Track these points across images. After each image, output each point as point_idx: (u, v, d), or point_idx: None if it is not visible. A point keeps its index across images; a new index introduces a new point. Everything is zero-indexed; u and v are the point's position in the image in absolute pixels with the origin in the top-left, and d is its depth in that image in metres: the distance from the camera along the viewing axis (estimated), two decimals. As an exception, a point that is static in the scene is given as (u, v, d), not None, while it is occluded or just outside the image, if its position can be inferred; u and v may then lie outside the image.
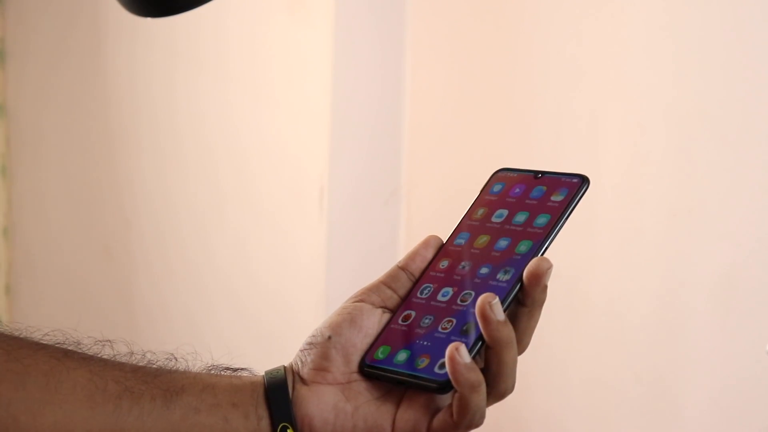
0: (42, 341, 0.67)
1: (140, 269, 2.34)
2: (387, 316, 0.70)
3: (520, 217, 0.71)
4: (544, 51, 1.77)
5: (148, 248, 2.32)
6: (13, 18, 2.52)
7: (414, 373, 0.66)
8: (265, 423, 0.66)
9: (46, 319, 2.54)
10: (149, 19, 0.68)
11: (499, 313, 0.64)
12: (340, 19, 1.91)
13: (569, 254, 1.71)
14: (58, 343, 0.68)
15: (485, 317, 0.64)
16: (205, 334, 2.21)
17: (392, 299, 0.71)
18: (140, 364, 0.69)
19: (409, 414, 0.66)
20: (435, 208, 1.96)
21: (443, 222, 2.12)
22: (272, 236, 2.06)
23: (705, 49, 1.56)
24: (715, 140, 1.55)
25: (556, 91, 1.75)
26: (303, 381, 0.68)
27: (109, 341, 0.70)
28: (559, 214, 0.70)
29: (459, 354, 0.63)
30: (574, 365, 1.72)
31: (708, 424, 1.57)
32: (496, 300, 0.65)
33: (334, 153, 1.93)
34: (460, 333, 0.67)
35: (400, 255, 2.05)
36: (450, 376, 0.64)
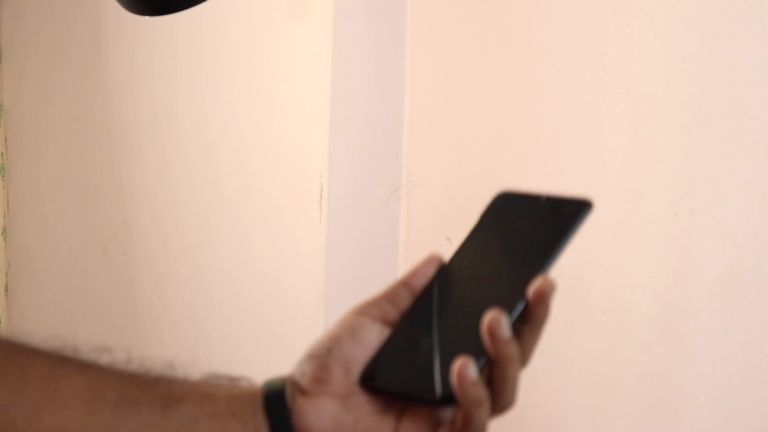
0: (40, 347, 0.67)
1: (138, 269, 2.33)
2: (387, 330, 0.70)
3: (524, 238, 0.71)
4: (544, 51, 1.77)
5: (147, 248, 2.32)
6: (12, 17, 2.52)
7: (415, 387, 0.66)
8: None
9: (43, 318, 2.54)
10: (148, 18, 0.68)
11: (506, 330, 0.64)
12: (340, 19, 1.91)
13: (571, 253, 1.70)
14: (57, 349, 0.67)
15: (493, 334, 0.64)
16: (205, 333, 2.20)
17: (393, 314, 0.70)
18: (139, 371, 0.68)
19: (411, 428, 0.66)
20: (435, 208, 1.96)
21: (443, 222, 2.13)
22: (272, 236, 2.05)
23: (706, 50, 1.56)
24: (717, 140, 1.54)
25: (556, 90, 1.75)
26: (302, 392, 0.67)
27: (108, 348, 0.69)
28: (563, 236, 0.70)
29: (467, 370, 0.63)
30: (576, 364, 1.72)
31: (709, 424, 1.57)
32: (504, 317, 0.64)
33: (334, 152, 1.93)
34: (464, 349, 0.66)
35: (400, 255, 2.05)
36: (456, 391, 0.63)
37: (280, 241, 2.04)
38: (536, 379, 1.74)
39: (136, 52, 2.28)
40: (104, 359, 0.68)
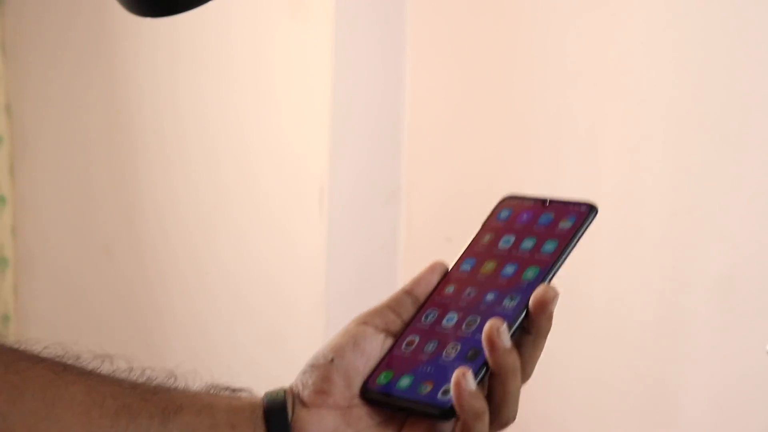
0: (41, 354, 0.66)
1: (140, 269, 2.33)
2: (390, 340, 0.69)
3: (527, 244, 0.71)
4: (544, 52, 1.77)
5: (148, 248, 2.32)
6: (15, 17, 2.52)
7: (416, 399, 0.65)
8: None
9: (45, 318, 2.54)
10: (149, 19, 0.68)
11: (506, 339, 0.64)
12: (341, 20, 1.91)
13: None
14: (58, 357, 0.67)
15: (492, 343, 0.63)
16: (206, 332, 2.21)
17: (396, 323, 0.70)
18: (139, 380, 0.67)
19: None
20: (435, 208, 1.96)
21: (443, 222, 2.13)
22: (273, 235, 2.05)
23: (705, 50, 1.56)
24: (715, 140, 1.55)
25: (556, 91, 1.75)
26: (303, 403, 0.67)
27: (109, 356, 0.69)
28: (567, 241, 0.70)
29: (465, 380, 0.62)
30: (574, 365, 1.72)
31: (708, 424, 1.57)
32: (504, 326, 0.64)
33: (334, 153, 1.93)
34: (465, 359, 0.65)
35: (400, 255, 2.05)
36: (454, 403, 0.63)
37: (281, 241, 2.04)
38: (534, 381, 1.74)
39: (139, 52, 2.29)
40: (105, 367, 0.68)
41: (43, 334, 2.52)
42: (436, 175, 1.96)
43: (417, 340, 0.68)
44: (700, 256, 1.56)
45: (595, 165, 1.68)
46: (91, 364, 0.68)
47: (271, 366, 2.04)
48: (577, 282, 1.69)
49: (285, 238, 2.03)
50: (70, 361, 0.67)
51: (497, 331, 0.63)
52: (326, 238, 1.94)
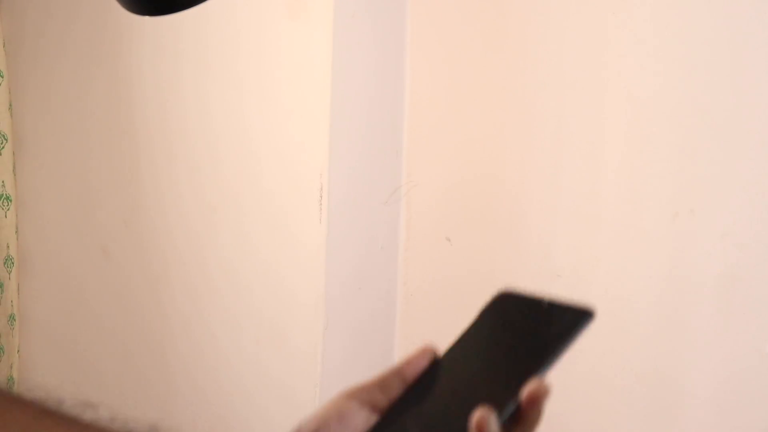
0: (23, 396, 0.65)
1: (139, 269, 2.33)
2: (375, 417, 0.69)
3: (521, 341, 0.70)
4: (544, 51, 1.77)
5: (147, 249, 2.32)
6: (14, 16, 2.52)
7: None
8: None
9: (44, 317, 2.54)
10: (149, 18, 0.68)
11: (494, 429, 0.63)
12: (340, 20, 1.91)
13: (571, 253, 1.71)
14: (39, 401, 0.65)
15: (481, 431, 0.63)
16: (205, 332, 2.20)
17: (382, 402, 0.70)
18: None
19: None
20: (435, 208, 1.96)
21: (443, 222, 2.12)
22: (273, 235, 2.05)
23: (706, 50, 1.56)
24: (717, 140, 1.54)
25: (556, 90, 1.75)
26: None
27: (93, 405, 0.68)
28: (561, 344, 0.70)
29: None
30: (576, 364, 1.72)
31: (708, 424, 1.57)
32: (494, 416, 0.64)
33: (334, 153, 1.93)
34: None
35: (400, 255, 2.05)
36: None
37: (281, 241, 2.04)
38: (536, 379, 1.74)
39: (139, 51, 2.28)
40: (88, 416, 0.66)
41: (43, 333, 2.51)
42: (436, 175, 1.96)
43: (401, 420, 0.68)
44: (701, 255, 1.56)
45: (596, 165, 1.68)
46: (73, 411, 0.66)
47: (271, 364, 2.04)
48: (579, 280, 1.69)
49: (285, 238, 2.03)
50: (51, 406, 0.66)
51: (486, 420, 0.63)
52: (326, 237, 1.94)
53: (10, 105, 2.52)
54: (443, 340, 0.74)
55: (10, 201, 2.54)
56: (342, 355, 1.97)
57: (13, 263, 2.55)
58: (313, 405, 1.93)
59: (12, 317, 2.54)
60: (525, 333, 0.71)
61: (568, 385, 1.74)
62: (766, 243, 1.50)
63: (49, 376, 2.45)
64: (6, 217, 2.53)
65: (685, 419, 1.59)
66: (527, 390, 0.65)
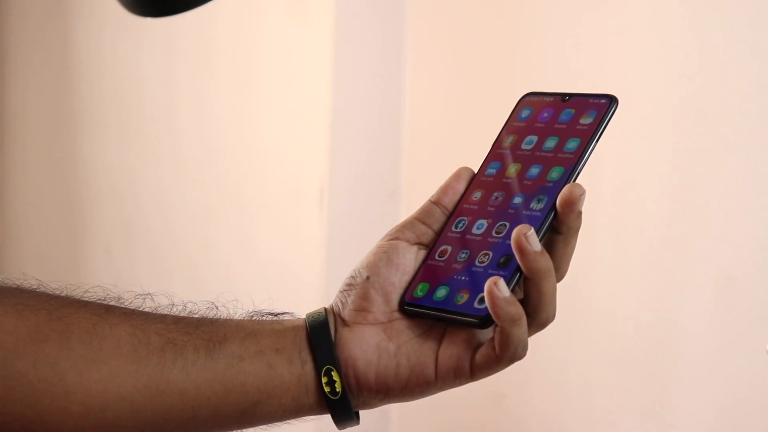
0: (83, 298, 0.67)
1: (140, 269, 2.34)
2: (423, 252, 0.69)
3: (550, 143, 0.71)
4: (543, 51, 1.77)
5: (147, 249, 2.32)
6: (3, 15, 2.52)
7: (454, 309, 0.66)
8: (309, 367, 0.66)
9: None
10: (149, 19, 0.68)
11: (535, 243, 0.64)
12: (341, 19, 1.91)
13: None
14: (99, 300, 0.67)
15: (522, 249, 0.63)
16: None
17: (427, 235, 0.70)
18: (182, 314, 0.68)
19: (452, 350, 0.66)
20: (435, 208, 1.96)
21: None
22: (273, 236, 2.06)
23: (705, 49, 1.56)
24: (716, 140, 1.55)
25: (555, 89, 1.75)
26: (344, 322, 0.68)
27: (150, 294, 0.69)
28: (589, 137, 0.71)
29: (498, 288, 0.62)
30: (574, 365, 1.72)
31: (708, 425, 1.57)
32: (532, 231, 0.64)
33: (334, 153, 1.93)
34: (498, 266, 0.66)
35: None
36: (490, 311, 0.63)
37: (281, 242, 2.04)
38: (534, 381, 1.74)
39: (136, 52, 2.29)
40: (147, 305, 0.69)
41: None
42: (436, 175, 1.95)
43: (450, 249, 0.69)
44: (700, 255, 1.57)
45: (595, 165, 1.68)
46: (133, 304, 0.68)
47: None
48: (576, 281, 1.69)
49: (285, 238, 2.03)
50: (112, 303, 0.67)
51: (525, 236, 0.64)
52: (326, 238, 1.94)
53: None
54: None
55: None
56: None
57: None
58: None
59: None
60: (554, 133, 0.72)
61: (567, 386, 1.74)
62: (766, 243, 1.50)
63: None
64: None
65: (684, 419, 1.59)
66: (561, 197, 0.66)
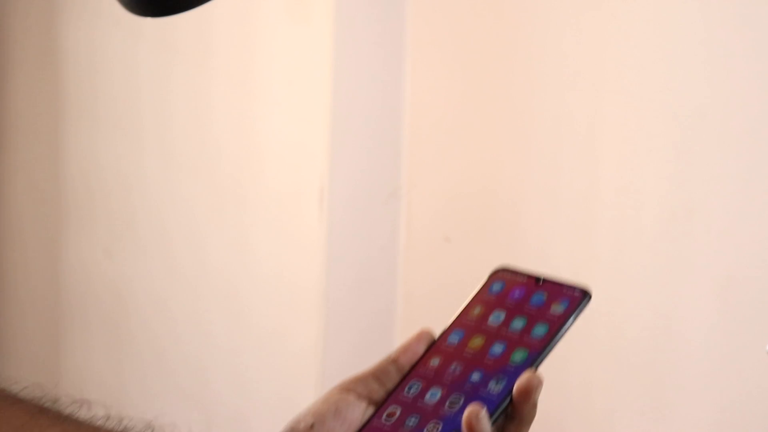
0: (19, 395, 0.65)
1: (139, 270, 2.33)
2: (372, 409, 0.68)
3: (518, 323, 0.69)
4: (543, 52, 1.77)
5: (146, 250, 2.32)
6: (12, 18, 2.52)
7: None
8: None
9: (42, 318, 2.54)
10: (148, 19, 0.68)
11: (486, 427, 0.63)
12: (341, 19, 1.91)
13: (568, 255, 1.71)
14: (35, 399, 0.66)
15: (471, 430, 0.63)
16: (206, 334, 2.21)
17: (379, 392, 0.69)
18: (116, 430, 0.66)
19: None
20: (435, 208, 1.96)
21: (443, 222, 2.13)
22: (272, 236, 2.05)
23: (705, 50, 1.56)
24: (715, 141, 1.55)
25: (555, 91, 1.75)
26: None
27: (87, 402, 0.67)
28: (558, 327, 0.69)
29: None
30: (574, 365, 1.72)
31: (708, 424, 1.57)
32: (484, 412, 0.63)
33: (334, 153, 1.93)
34: None
35: (400, 255, 2.05)
36: None
37: (281, 242, 2.04)
38: (535, 380, 1.74)
39: (137, 53, 2.29)
40: (83, 413, 0.66)
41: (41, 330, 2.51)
42: (436, 175, 1.96)
43: (398, 412, 0.67)
44: (699, 256, 1.56)
45: (595, 165, 1.68)
46: (68, 409, 0.66)
47: (271, 366, 2.04)
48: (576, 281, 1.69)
49: (285, 239, 2.03)
50: (47, 405, 0.66)
51: (476, 417, 0.63)
52: (326, 238, 1.94)
53: None
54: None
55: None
56: (342, 355, 1.97)
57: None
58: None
59: None
60: (522, 314, 0.70)
61: (566, 386, 1.74)
62: (766, 243, 1.50)
63: (45, 375, 2.45)
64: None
65: (684, 419, 1.59)
66: (519, 385, 0.64)
